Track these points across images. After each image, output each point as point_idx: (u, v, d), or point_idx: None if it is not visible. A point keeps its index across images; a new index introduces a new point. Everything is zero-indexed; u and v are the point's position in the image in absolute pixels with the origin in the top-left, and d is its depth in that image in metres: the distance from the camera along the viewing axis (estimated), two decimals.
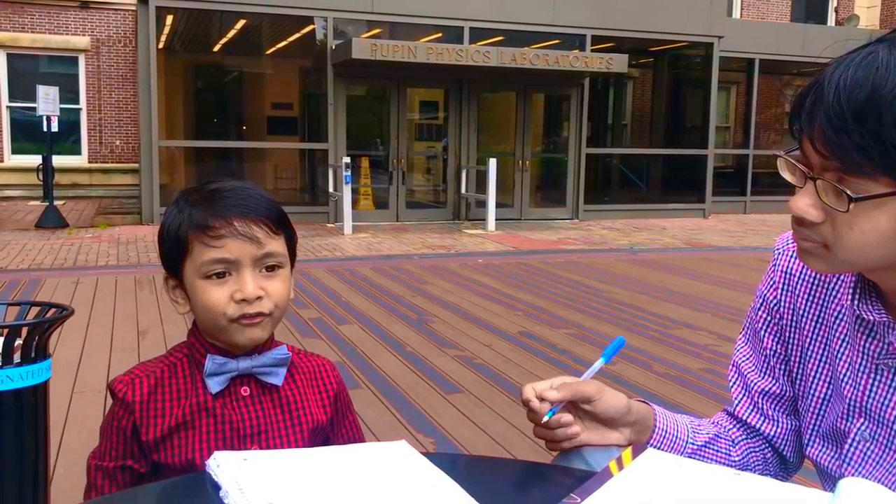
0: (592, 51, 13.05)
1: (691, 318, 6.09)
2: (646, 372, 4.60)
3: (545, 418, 1.12)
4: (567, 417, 1.13)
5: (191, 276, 1.26)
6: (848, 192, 0.89)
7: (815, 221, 0.94)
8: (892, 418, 1.04)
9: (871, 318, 1.03)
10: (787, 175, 0.99)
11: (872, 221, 0.90)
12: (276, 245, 1.27)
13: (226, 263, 1.23)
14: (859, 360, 1.08)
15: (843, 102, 0.87)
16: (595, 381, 1.18)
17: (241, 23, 12.63)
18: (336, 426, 1.41)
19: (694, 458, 1.22)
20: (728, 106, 17.21)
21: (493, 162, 11.59)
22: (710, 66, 14.23)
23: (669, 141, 15.71)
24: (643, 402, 1.23)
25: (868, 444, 1.07)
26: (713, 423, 1.31)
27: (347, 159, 11.00)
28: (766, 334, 1.23)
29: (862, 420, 1.08)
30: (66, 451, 3.18)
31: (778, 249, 1.22)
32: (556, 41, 13.20)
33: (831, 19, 20.79)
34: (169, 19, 12.09)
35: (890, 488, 1.03)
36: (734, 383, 1.29)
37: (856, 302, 1.05)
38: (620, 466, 0.94)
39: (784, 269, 1.20)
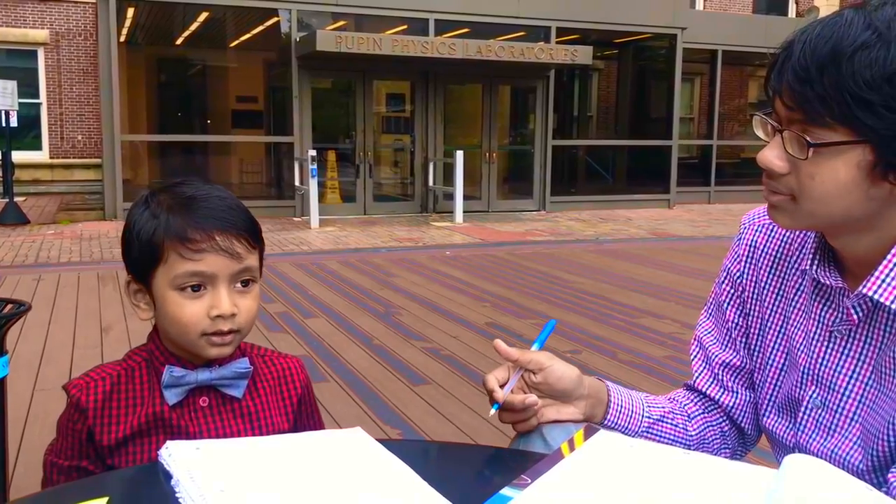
0: (557, 43, 13.10)
1: (656, 306, 6.16)
2: (611, 360, 4.65)
3: (491, 411, 1.17)
4: (532, 398, 1.18)
5: (162, 286, 1.22)
6: (807, 138, 0.94)
7: (781, 172, 0.99)
8: (842, 385, 1.08)
9: (828, 282, 1.07)
10: (759, 132, 1.04)
11: (832, 171, 0.95)
12: (253, 260, 1.26)
13: (203, 277, 1.21)
14: (814, 329, 1.12)
15: (807, 56, 0.92)
16: (545, 352, 1.21)
17: (204, 15, 12.48)
18: (300, 428, 1.39)
19: (651, 432, 1.25)
20: (692, 97, 17.36)
21: (460, 154, 11.61)
22: (674, 58, 14.37)
23: (634, 132, 15.83)
24: (597, 379, 1.26)
25: (820, 412, 1.11)
26: (670, 399, 1.34)
27: (313, 152, 10.94)
28: (729, 307, 1.27)
29: (814, 387, 1.11)
30: (27, 450, 3.13)
31: (744, 224, 1.27)
32: (522, 33, 13.22)
33: (792, 11, 21.05)
34: (130, 12, 11.90)
35: (843, 454, 1.06)
36: (695, 356, 1.33)
37: (814, 267, 1.09)
38: (572, 448, 0.95)
39: (749, 243, 1.25)
